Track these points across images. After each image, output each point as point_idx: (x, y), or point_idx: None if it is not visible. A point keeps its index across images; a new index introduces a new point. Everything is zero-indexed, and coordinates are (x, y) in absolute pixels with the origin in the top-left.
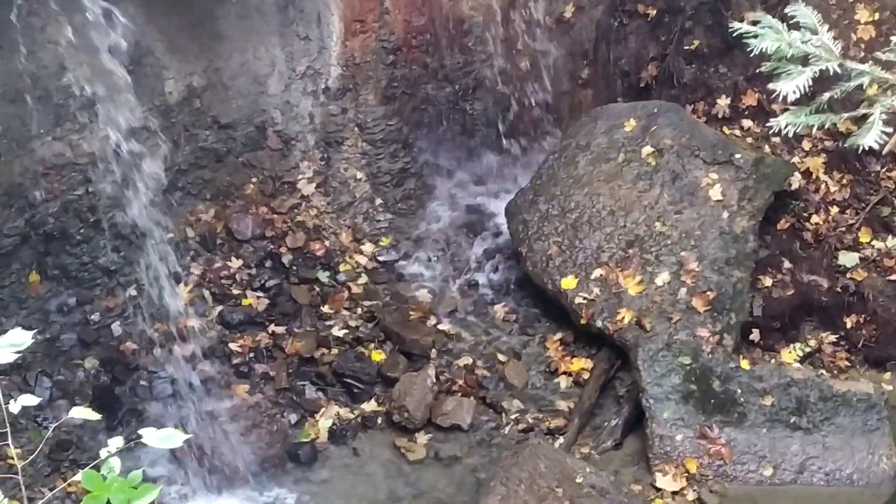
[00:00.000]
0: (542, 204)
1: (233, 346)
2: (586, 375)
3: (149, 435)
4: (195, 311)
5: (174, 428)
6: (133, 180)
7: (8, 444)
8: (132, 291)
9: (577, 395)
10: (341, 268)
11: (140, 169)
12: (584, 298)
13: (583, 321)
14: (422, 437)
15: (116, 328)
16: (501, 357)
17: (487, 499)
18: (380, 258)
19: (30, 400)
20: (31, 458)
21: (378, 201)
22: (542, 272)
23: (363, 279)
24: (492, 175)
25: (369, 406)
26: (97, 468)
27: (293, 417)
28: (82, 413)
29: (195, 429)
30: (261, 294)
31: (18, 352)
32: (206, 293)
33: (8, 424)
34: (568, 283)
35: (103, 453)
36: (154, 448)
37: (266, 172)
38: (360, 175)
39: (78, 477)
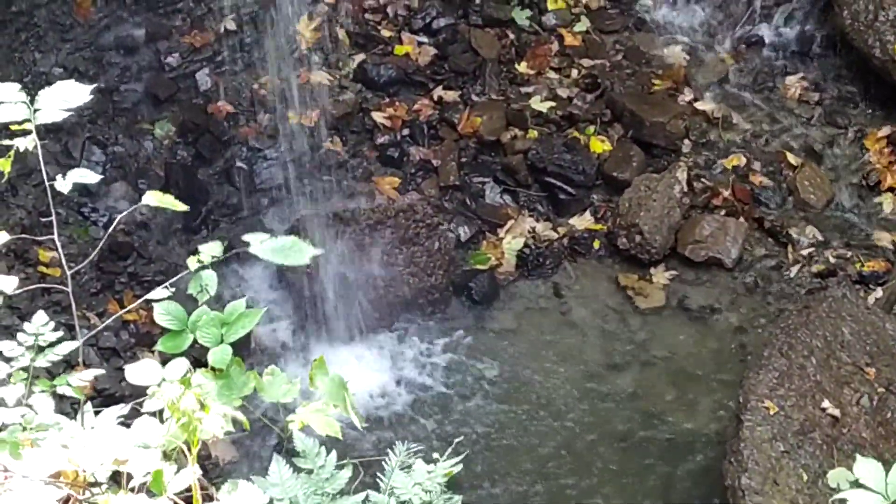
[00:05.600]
0: None
1: (378, 116)
2: None
3: (259, 243)
4: (323, 59)
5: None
6: None
7: (47, 245)
8: (229, 24)
9: None
10: (550, 5)
11: None
12: None
13: None
14: (660, 275)
15: (204, 79)
16: (792, 158)
17: (759, 374)
18: None
19: (87, 176)
20: (74, 268)
21: None
22: (867, 29)
23: (583, 25)
24: None
25: (582, 222)
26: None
27: (464, 231)
28: (160, 200)
29: (316, 240)
30: (424, 39)
31: (70, 111)
32: (341, 33)
33: (53, 210)
34: None
35: (191, 263)
36: (251, 267)
37: None
38: None
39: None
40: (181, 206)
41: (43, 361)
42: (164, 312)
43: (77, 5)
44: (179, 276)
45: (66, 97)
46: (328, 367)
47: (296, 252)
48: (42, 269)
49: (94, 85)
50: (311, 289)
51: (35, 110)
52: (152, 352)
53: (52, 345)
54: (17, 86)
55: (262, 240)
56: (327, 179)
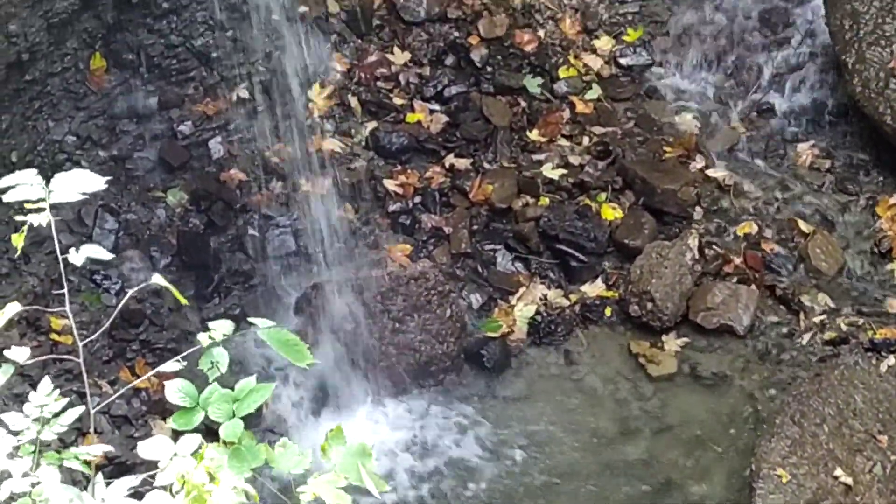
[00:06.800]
0: None
1: (389, 184)
2: None
3: (267, 332)
4: (335, 127)
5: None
6: None
7: (60, 313)
8: (242, 92)
9: None
10: (562, 73)
11: None
12: None
13: None
14: (672, 342)
15: (216, 147)
16: (804, 226)
17: (771, 442)
18: (622, 61)
19: (99, 252)
20: (87, 338)
21: None
22: (878, 96)
23: (594, 92)
24: None
25: (594, 289)
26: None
27: (476, 299)
28: (165, 284)
29: (327, 306)
30: (436, 107)
31: (84, 194)
32: (354, 101)
33: (65, 282)
34: None
35: (203, 338)
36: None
37: None
38: None
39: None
40: (183, 300)
41: (50, 433)
42: (177, 391)
43: (90, 74)
44: (191, 350)
45: (80, 186)
46: (345, 438)
47: (296, 352)
48: (54, 336)
49: (108, 177)
50: (321, 355)
51: (49, 191)
52: (164, 419)
53: (57, 414)
54: (34, 171)
55: (271, 326)
56: (339, 247)
